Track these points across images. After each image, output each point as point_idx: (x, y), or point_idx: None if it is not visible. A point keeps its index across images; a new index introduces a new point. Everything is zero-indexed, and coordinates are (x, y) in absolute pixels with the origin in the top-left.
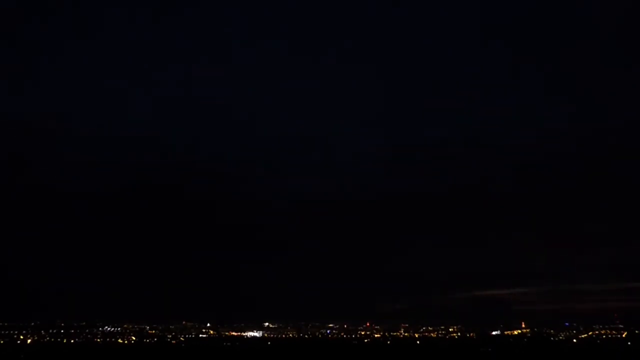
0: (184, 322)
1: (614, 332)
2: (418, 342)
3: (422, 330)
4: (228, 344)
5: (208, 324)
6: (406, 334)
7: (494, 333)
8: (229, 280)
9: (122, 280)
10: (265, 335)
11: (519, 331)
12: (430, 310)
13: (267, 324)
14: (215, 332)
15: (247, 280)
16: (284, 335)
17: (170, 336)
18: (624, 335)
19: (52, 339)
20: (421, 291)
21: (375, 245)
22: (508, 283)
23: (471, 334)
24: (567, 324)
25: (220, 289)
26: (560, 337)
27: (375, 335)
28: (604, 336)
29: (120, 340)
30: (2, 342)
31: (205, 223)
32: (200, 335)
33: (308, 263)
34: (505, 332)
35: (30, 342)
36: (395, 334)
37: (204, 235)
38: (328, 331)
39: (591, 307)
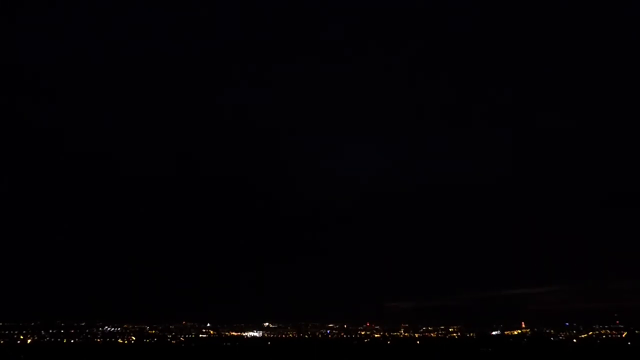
0: (184, 322)
1: (614, 332)
2: (418, 342)
3: (422, 330)
4: (228, 344)
5: (208, 324)
6: (406, 334)
7: (494, 333)
8: (229, 280)
9: (122, 280)
10: (265, 335)
11: (519, 331)
12: (430, 310)
13: (267, 324)
14: (215, 332)
15: (248, 280)
16: (284, 335)
17: (170, 336)
18: (624, 336)
19: (52, 339)
20: (421, 291)
21: (374, 244)
22: (508, 283)
23: (471, 334)
24: (567, 324)
25: (220, 289)
26: (560, 337)
27: (375, 335)
28: (604, 336)
29: (120, 340)
30: (2, 342)
31: (205, 223)
32: (200, 335)
33: (309, 262)
34: (505, 332)
35: (30, 342)
36: (395, 334)
37: (204, 234)
38: (328, 331)
39: (591, 307)
